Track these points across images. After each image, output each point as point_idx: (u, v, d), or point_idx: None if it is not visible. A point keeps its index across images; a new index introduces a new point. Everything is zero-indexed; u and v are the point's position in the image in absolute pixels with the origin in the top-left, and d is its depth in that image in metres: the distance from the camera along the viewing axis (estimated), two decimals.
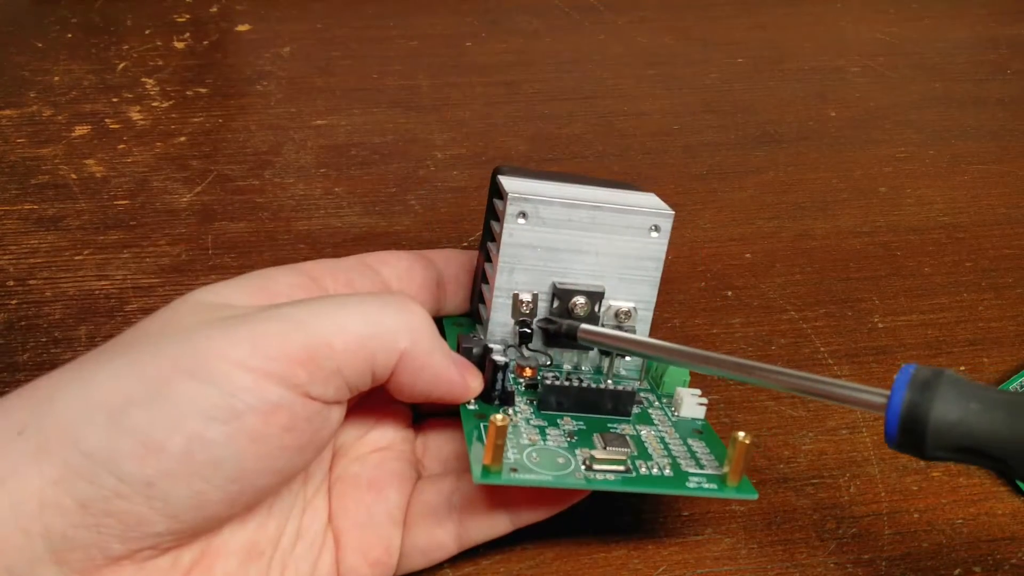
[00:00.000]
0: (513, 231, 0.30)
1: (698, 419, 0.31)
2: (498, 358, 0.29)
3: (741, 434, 0.27)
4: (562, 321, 0.31)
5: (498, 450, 0.26)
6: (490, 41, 0.52)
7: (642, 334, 0.32)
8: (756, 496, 0.28)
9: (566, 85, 0.50)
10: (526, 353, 0.32)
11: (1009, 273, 0.43)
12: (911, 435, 0.23)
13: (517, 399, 0.30)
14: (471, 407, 0.29)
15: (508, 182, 0.31)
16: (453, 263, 0.33)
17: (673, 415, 0.31)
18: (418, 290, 0.32)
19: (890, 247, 0.44)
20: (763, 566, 0.30)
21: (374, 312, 0.25)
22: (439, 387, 0.27)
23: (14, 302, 0.38)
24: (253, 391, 0.23)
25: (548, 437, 0.29)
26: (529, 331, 0.32)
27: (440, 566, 0.30)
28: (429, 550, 0.29)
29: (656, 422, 0.31)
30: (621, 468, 0.28)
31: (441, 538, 0.28)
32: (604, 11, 0.55)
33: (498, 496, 0.28)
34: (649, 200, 0.33)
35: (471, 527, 0.29)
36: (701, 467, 0.29)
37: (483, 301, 0.33)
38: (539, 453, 0.28)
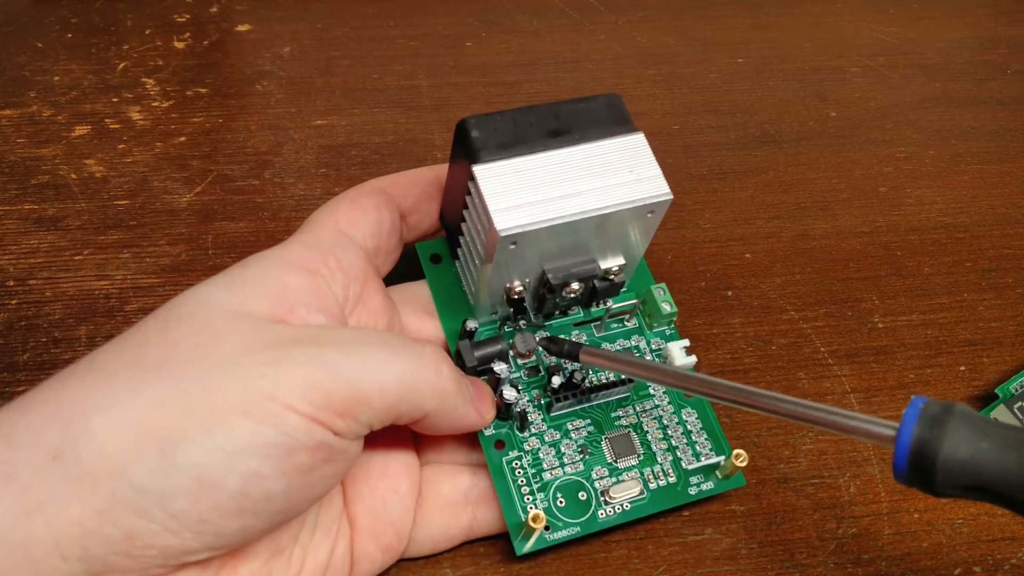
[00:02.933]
0: (503, 257, 0.29)
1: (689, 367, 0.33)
2: (508, 395, 0.30)
3: (741, 456, 0.30)
4: (564, 341, 0.32)
5: (536, 533, 0.29)
6: (490, 41, 0.52)
7: (629, 275, 0.33)
8: (744, 483, 0.32)
9: (566, 85, 0.50)
10: (523, 325, 0.33)
11: (1009, 273, 0.43)
12: (920, 471, 0.23)
13: (529, 416, 0.32)
14: (488, 433, 0.31)
15: (488, 191, 0.28)
16: (412, 193, 0.33)
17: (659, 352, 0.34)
18: (387, 237, 0.32)
19: (890, 247, 0.44)
20: (763, 566, 0.30)
21: (410, 375, 0.26)
22: (458, 430, 0.29)
23: (14, 302, 0.38)
24: (304, 430, 0.24)
25: (563, 456, 0.31)
26: (522, 305, 0.32)
27: (441, 566, 0.30)
28: (439, 540, 0.30)
29: (652, 394, 0.33)
30: (635, 492, 0.30)
31: (454, 530, 0.30)
32: (604, 11, 0.55)
33: None
34: (643, 163, 0.30)
35: (484, 521, 0.30)
36: (698, 456, 0.31)
37: (461, 262, 0.33)
38: (563, 492, 0.30)
